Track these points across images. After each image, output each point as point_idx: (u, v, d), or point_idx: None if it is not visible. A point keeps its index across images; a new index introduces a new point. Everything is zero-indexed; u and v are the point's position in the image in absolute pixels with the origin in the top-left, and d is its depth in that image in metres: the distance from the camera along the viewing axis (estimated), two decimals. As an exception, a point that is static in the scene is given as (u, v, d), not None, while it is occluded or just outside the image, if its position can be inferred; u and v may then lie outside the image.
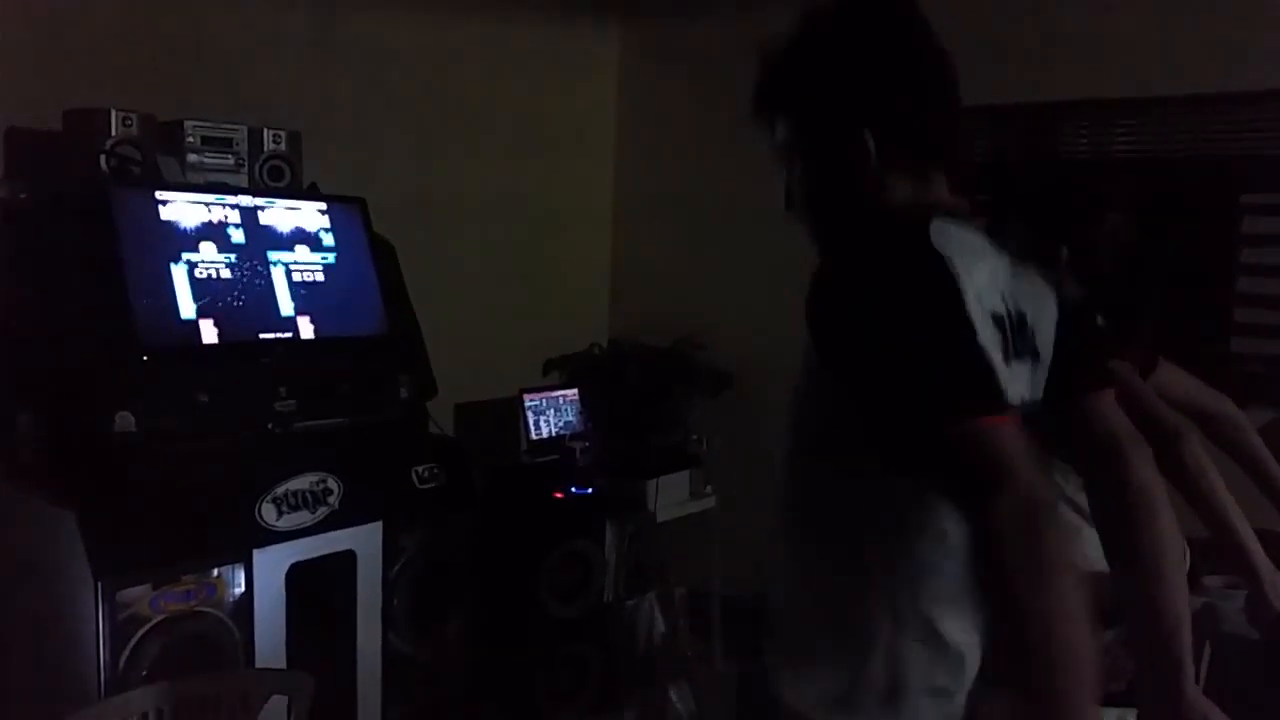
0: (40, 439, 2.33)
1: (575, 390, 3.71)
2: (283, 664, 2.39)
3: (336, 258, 2.75)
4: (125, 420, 2.22)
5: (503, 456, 3.49)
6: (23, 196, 2.49)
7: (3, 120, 2.61)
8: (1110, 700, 1.64)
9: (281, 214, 2.67)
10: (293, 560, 2.44)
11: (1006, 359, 1.18)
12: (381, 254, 2.85)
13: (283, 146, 2.77)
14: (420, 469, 2.72)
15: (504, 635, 3.16)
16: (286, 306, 2.59)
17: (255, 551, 2.36)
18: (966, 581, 1.21)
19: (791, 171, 1.28)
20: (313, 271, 2.68)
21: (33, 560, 2.28)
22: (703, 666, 3.48)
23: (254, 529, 2.36)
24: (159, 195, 2.44)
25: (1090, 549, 1.32)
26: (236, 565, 2.34)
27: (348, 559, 2.58)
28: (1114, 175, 3.33)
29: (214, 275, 2.47)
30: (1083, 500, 1.35)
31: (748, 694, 1.35)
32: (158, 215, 2.42)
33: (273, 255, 2.61)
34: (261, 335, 2.52)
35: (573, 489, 3.29)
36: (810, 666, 1.25)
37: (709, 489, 3.78)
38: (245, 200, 2.60)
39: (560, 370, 3.83)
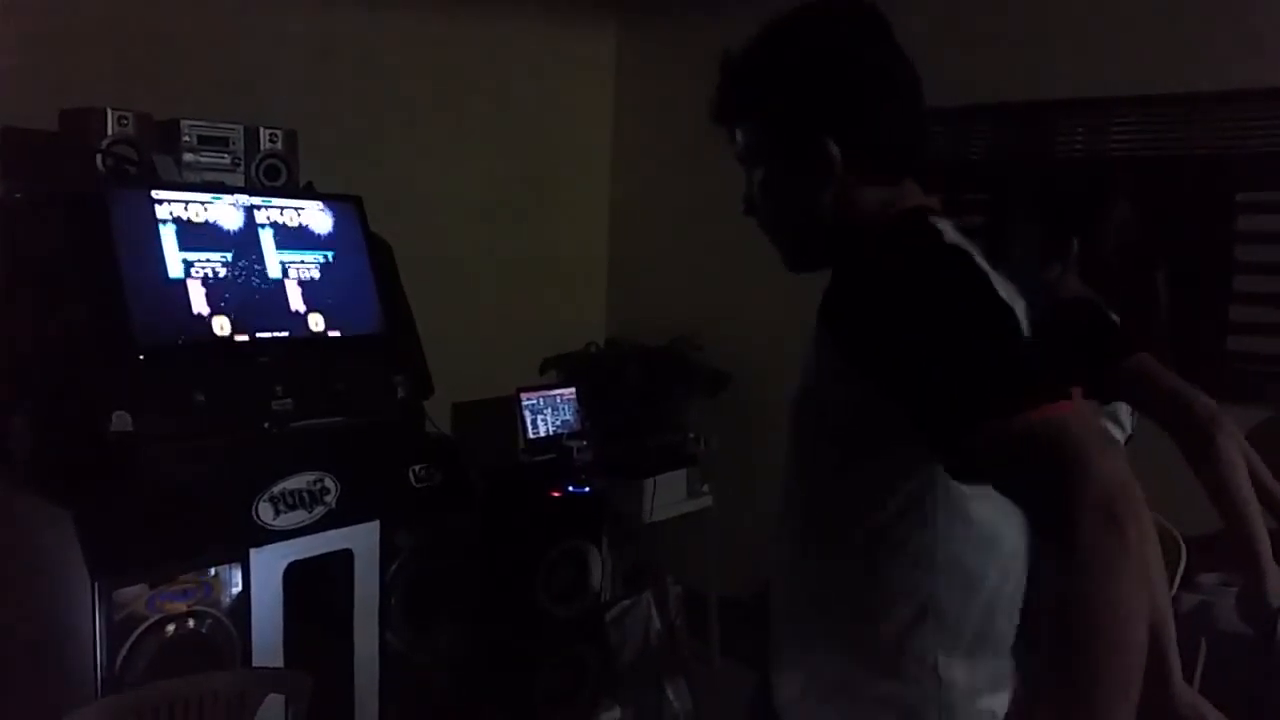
0: (37, 439, 2.33)
1: (572, 389, 3.71)
2: (280, 663, 2.39)
3: (333, 257, 2.74)
4: (122, 420, 2.21)
5: (500, 456, 3.50)
6: (18, 196, 2.49)
7: (-2, 119, 2.61)
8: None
9: (278, 213, 2.66)
10: (290, 560, 2.43)
11: None
12: (378, 253, 2.85)
13: (279, 145, 2.77)
14: (417, 468, 2.72)
15: (501, 634, 3.16)
16: (283, 306, 2.59)
17: (252, 551, 2.36)
18: (983, 629, 1.20)
19: (753, 177, 1.27)
20: (309, 271, 2.68)
21: (30, 560, 2.28)
22: (700, 665, 3.48)
23: (251, 528, 2.36)
24: (155, 195, 2.44)
25: None
26: (233, 565, 2.34)
27: (345, 558, 2.58)
28: (1110, 173, 3.33)
29: (211, 275, 2.47)
30: None
31: (756, 710, 1.34)
32: (154, 215, 2.41)
33: (269, 255, 2.60)
34: (258, 335, 2.51)
35: (570, 488, 3.29)
36: (814, 690, 1.24)
37: (706, 488, 3.78)
38: (242, 199, 2.60)
39: (557, 369, 3.83)
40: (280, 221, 2.66)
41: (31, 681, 2.30)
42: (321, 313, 2.66)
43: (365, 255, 2.81)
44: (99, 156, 2.44)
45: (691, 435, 3.82)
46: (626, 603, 3.52)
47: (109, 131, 2.45)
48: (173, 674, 2.07)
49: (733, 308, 4.02)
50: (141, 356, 2.27)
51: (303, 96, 3.18)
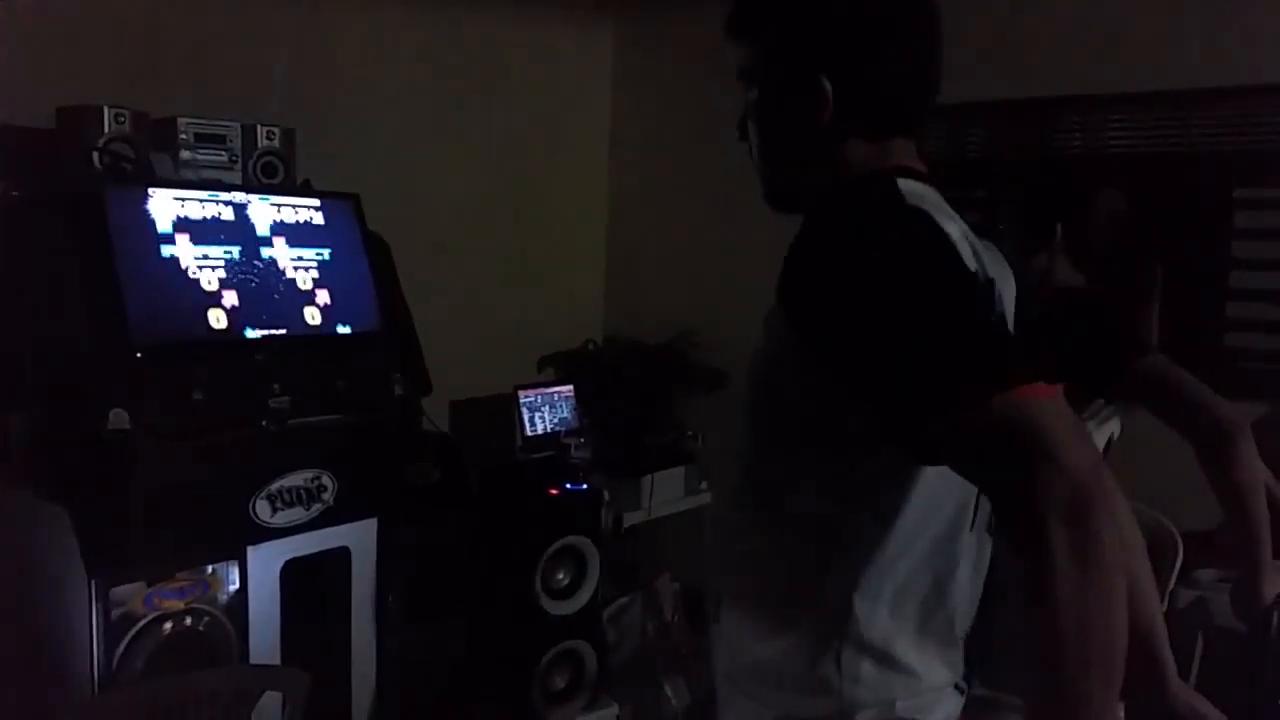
0: (34, 437, 2.33)
1: (570, 387, 3.70)
2: (277, 661, 2.39)
3: (331, 254, 2.74)
4: (119, 418, 2.21)
5: (497, 453, 3.49)
6: (14, 194, 2.49)
7: (-6, 117, 2.61)
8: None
9: (275, 211, 2.66)
10: (287, 557, 2.44)
11: None
12: (376, 250, 2.85)
13: (276, 143, 2.76)
14: (415, 466, 2.72)
15: (499, 632, 3.16)
16: (281, 304, 2.59)
17: (249, 548, 2.37)
18: (939, 611, 1.17)
19: (748, 98, 1.24)
20: (307, 268, 2.67)
21: (26, 558, 2.27)
22: (697, 663, 3.48)
23: (248, 526, 2.36)
24: (152, 192, 2.44)
25: None
26: (231, 562, 2.34)
27: (342, 556, 2.58)
28: (1107, 170, 3.33)
29: (208, 273, 2.47)
30: None
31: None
32: (150, 212, 2.41)
33: (266, 252, 2.60)
34: (256, 332, 2.51)
35: (568, 485, 3.29)
36: (754, 680, 1.21)
37: (704, 485, 3.78)
38: (239, 197, 2.60)
39: (555, 367, 3.83)
40: (278, 219, 2.66)
41: (28, 679, 2.30)
42: (319, 310, 2.65)
43: (363, 253, 2.81)
44: (96, 154, 2.44)
45: (689, 433, 3.82)
46: (624, 600, 3.52)
47: (106, 129, 2.45)
48: (170, 672, 2.08)
49: (731, 305, 4.00)
50: (139, 354, 2.27)
51: (300, 94, 3.17)
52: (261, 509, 2.38)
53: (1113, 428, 2.08)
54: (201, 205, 2.51)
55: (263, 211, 2.64)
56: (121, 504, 2.18)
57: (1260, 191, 3.12)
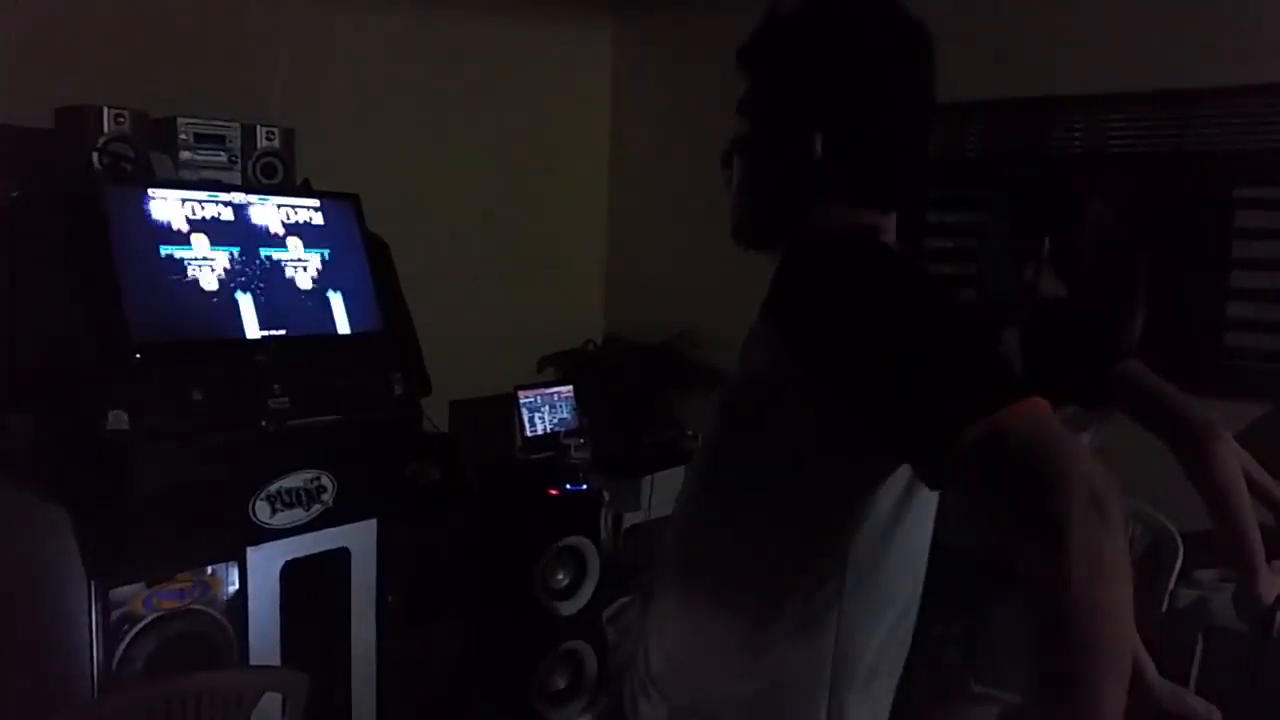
0: (33, 437, 2.33)
1: (570, 387, 3.70)
2: (277, 662, 2.39)
3: (330, 255, 2.74)
4: (118, 419, 2.21)
5: (497, 453, 3.49)
6: (14, 195, 2.48)
7: (-6, 117, 2.61)
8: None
9: (275, 211, 2.66)
10: (287, 558, 2.44)
11: None
12: (375, 251, 2.85)
13: (276, 144, 2.76)
14: (414, 466, 2.72)
15: (498, 632, 3.16)
16: (280, 304, 2.59)
17: (249, 549, 2.37)
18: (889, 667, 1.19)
19: (740, 130, 1.22)
20: (306, 268, 2.67)
21: (26, 559, 2.27)
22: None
23: (248, 527, 2.36)
24: (151, 193, 2.43)
25: None
26: (230, 563, 2.34)
27: (342, 556, 2.58)
28: (1106, 170, 3.34)
29: (207, 274, 2.47)
30: None
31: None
32: (150, 213, 2.41)
33: (266, 252, 2.60)
34: (255, 333, 2.51)
35: (567, 486, 3.29)
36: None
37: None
38: (238, 198, 2.60)
39: (555, 367, 3.84)
40: (277, 220, 2.66)
41: (28, 680, 2.30)
42: (318, 311, 2.65)
43: (363, 253, 2.81)
44: (95, 155, 2.43)
45: (689, 433, 3.82)
46: (624, 600, 3.52)
47: (105, 130, 2.45)
48: (169, 672, 2.08)
49: (730, 306, 3.98)
50: (138, 355, 2.27)
51: (300, 95, 3.17)
52: (261, 510, 2.38)
53: (1089, 435, 2.09)
54: (201, 205, 2.51)
55: (262, 212, 2.64)
56: (121, 505, 2.18)
57: (1260, 191, 3.12)
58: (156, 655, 2.19)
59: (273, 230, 2.64)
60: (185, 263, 2.43)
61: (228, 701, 1.90)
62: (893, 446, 1.01)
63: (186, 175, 2.61)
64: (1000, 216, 2.11)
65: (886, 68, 1.15)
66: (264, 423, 2.46)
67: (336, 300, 2.70)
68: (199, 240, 2.48)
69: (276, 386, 2.48)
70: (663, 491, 3.60)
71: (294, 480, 2.44)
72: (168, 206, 2.44)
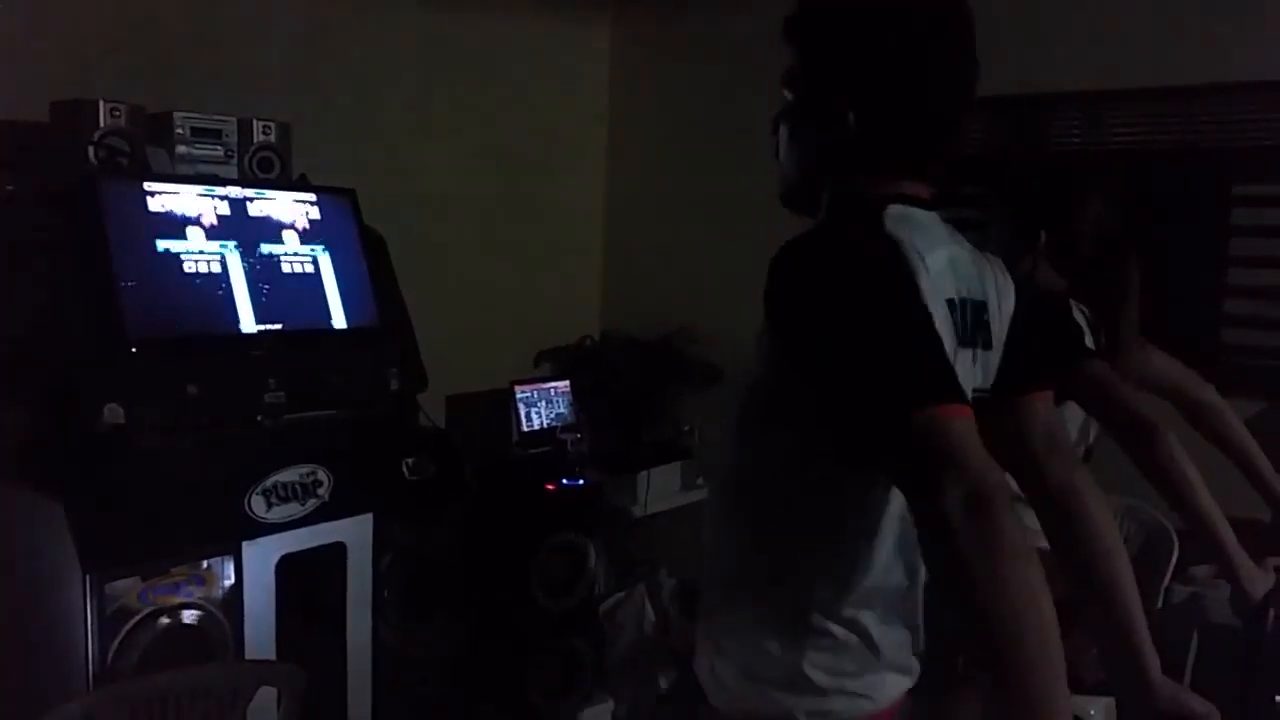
0: (29, 432, 2.33)
1: (567, 382, 3.70)
2: (272, 656, 2.39)
3: (326, 249, 2.74)
4: (114, 412, 2.21)
5: (494, 448, 3.49)
6: (9, 188, 2.48)
7: (-11, 111, 2.60)
8: (1095, 690, 1.65)
9: (271, 205, 2.66)
10: (282, 552, 2.43)
11: (957, 344, 1.20)
12: (372, 245, 2.85)
13: (272, 138, 2.76)
14: (410, 461, 2.71)
15: (495, 627, 3.16)
16: (276, 298, 2.58)
17: (245, 543, 2.36)
18: (897, 589, 1.25)
19: (785, 100, 1.29)
20: (302, 263, 2.67)
21: (21, 553, 2.27)
22: (693, 657, 3.49)
23: (243, 521, 2.36)
24: (147, 187, 2.43)
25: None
26: (226, 557, 2.34)
27: (338, 551, 2.58)
28: (1105, 166, 3.33)
29: (204, 268, 2.46)
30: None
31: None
32: (146, 207, 2.41)
33: (262, 247, 2.60)
34: (251, 327, 2.51)
35: (564, 481, 3.29)
36: (725, 651, 1.30)
37: (700, 481, 3.78)
38: (235, 192, 2.59)
39: (552, 362, 3.83)
40: (273, 214, 2.66)
41: (23, 675, 2.30)
42: (314, 305, 2.65)
43: (359, 248, 2.80)
44: (91, 148, 2.43)
45: (686, 428, 3.82)
46: (620, 595, 3.52)
47: (101, 123, 2.44)
48: (165, 667, 2.08)
49: (727, 301, 3.99)
50: (134, 349, 2.27)
51: (297, 89, 3.17)
52: (257, 504, 2.38)
53: (1092, 432, 2.10)
54: (197, 200, 2.51)
55: (259, 206, 2.63)
56: (116, 499, 2.18)
57: (1259, 188, 3.11)
58: (152, 649, 2.18)
59: (269, 224, 2.64)
60: (181, 257, 2.43)
61: (223, 696, 1.91)
62: (824, 414, 1.10)
63: (183, 169, 2.61)
64: (998, 212, 2.12)
65: (923, 44, 1.21)
66: (260, 417, 2.46)
67: (333, 295, 2.70)
68: (195, 234, 2.48)
69: (272, 381, 2.48)
70: (659, 486, 3.60)
71: (290, 474, 2.44)
72: (163, 200, 2.44)
